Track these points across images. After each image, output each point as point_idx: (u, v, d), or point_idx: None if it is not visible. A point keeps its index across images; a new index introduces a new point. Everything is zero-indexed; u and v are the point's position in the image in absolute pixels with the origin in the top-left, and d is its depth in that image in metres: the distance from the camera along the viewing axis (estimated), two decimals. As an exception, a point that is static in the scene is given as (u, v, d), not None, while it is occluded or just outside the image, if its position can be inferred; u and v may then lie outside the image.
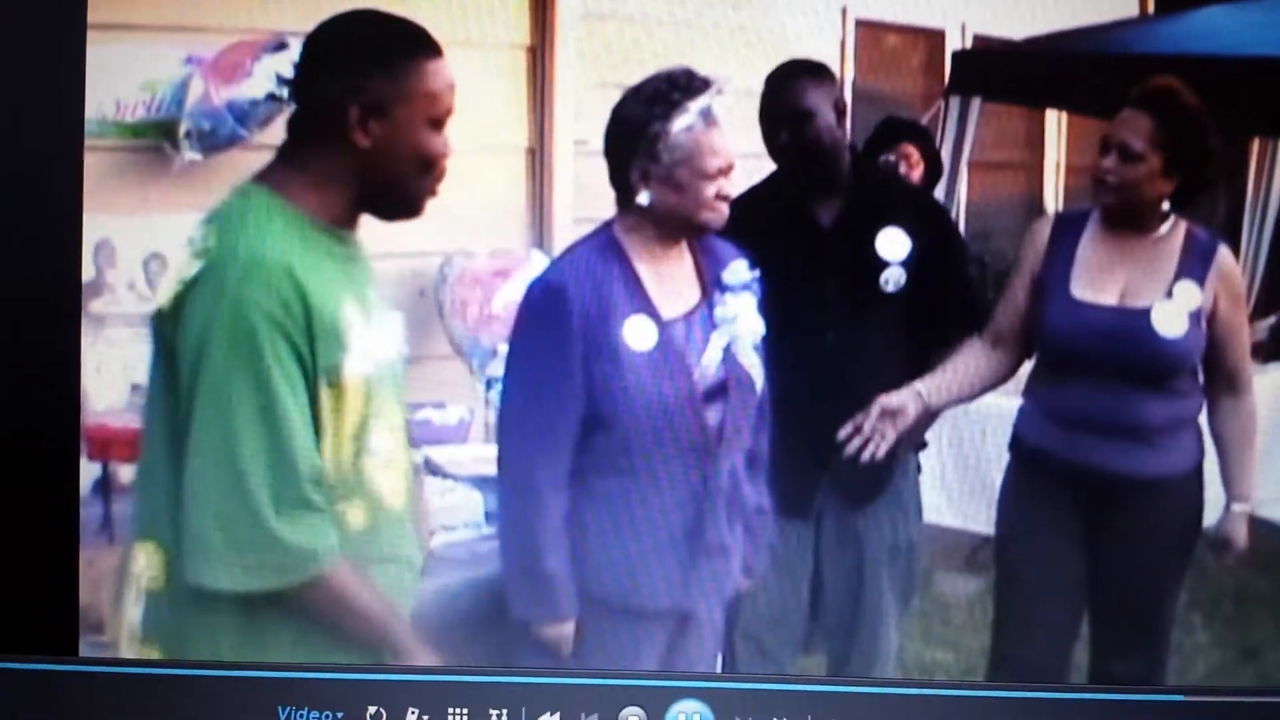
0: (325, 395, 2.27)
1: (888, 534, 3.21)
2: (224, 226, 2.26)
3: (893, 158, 3.68)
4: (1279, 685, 3.18)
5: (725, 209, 2.76)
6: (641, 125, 2.72)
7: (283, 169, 2.33)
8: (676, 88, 2.72)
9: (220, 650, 2.37)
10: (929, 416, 3.20)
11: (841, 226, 3.14)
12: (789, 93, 3.13)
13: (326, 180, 2.31)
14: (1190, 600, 3.41)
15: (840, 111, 3.14)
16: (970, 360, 3.10)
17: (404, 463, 2.45)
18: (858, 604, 3.22)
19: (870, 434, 2.95)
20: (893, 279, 3.09)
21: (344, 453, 2.33)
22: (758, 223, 3.04)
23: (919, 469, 3.31)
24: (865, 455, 2.97)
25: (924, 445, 3.35)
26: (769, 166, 3.26)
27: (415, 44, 2.35)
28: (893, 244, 3.10)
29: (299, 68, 2.37)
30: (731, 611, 2.99)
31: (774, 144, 3.15)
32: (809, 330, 3.08)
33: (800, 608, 3.24)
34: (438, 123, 2.35)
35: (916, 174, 3.71)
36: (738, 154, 2.99)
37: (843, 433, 2.97)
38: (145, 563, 2.35)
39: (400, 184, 2.35)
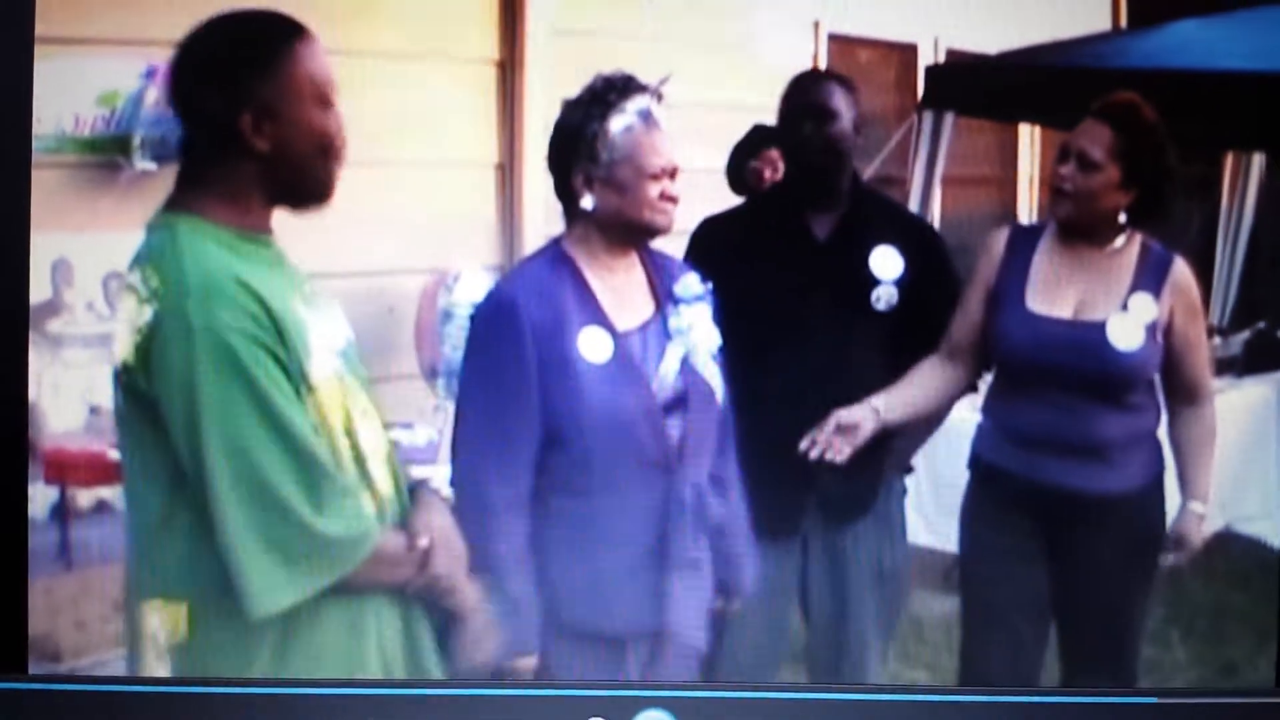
0: (309, 400, 2.26)
1: (873, 556, 3.18)
2: (162, 263, 2.22)
3: (757, 164, 3.68)
4: (1249, 687, 3.16)
5: (672, 210, 2.74)
6: (580, 128, 2.72)
7: (191, 192, 2.29)
8: (613, 89, 2.72)
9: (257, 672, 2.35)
10: (912, 439, 3.22)
11: (836, 240, 3.13)
12: (818, 91, 3.14)
13: (237, 191, 2.28)
14: (1167, 617, 3.40)
15: (858, 127, 3.15)
16: (926, 374, 3.10)
17: (386, 446, 2.44)
18: (843, 627, 3.19)
19: (825, 447, 2.96)
20: (884, 297, 3.09)
21: (342, 450, 2.32)
22: (753, 231, 3.11)
23: (904, 492, 3.28)
24: (825, 458, 2.97)
25: (910, 469, 3.33)
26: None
27: (284, 32, 2.32)
28: (886, 262, 3.09)
29: (176, 90, 2.34)
30: (710, 632, 2.96)
31: (793, 138, 3.16)
32: (796, 344, 3.06)
33: (786, 630, 3.21)
34: (326, 100, 2.33)
35: (777, 178, 3.70)
36: (705, 169, 2.98)
37: (803, 444, 2.96)
38: (160, 620, 2.31)
39: (307, 173, 2.32)
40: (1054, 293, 3.01)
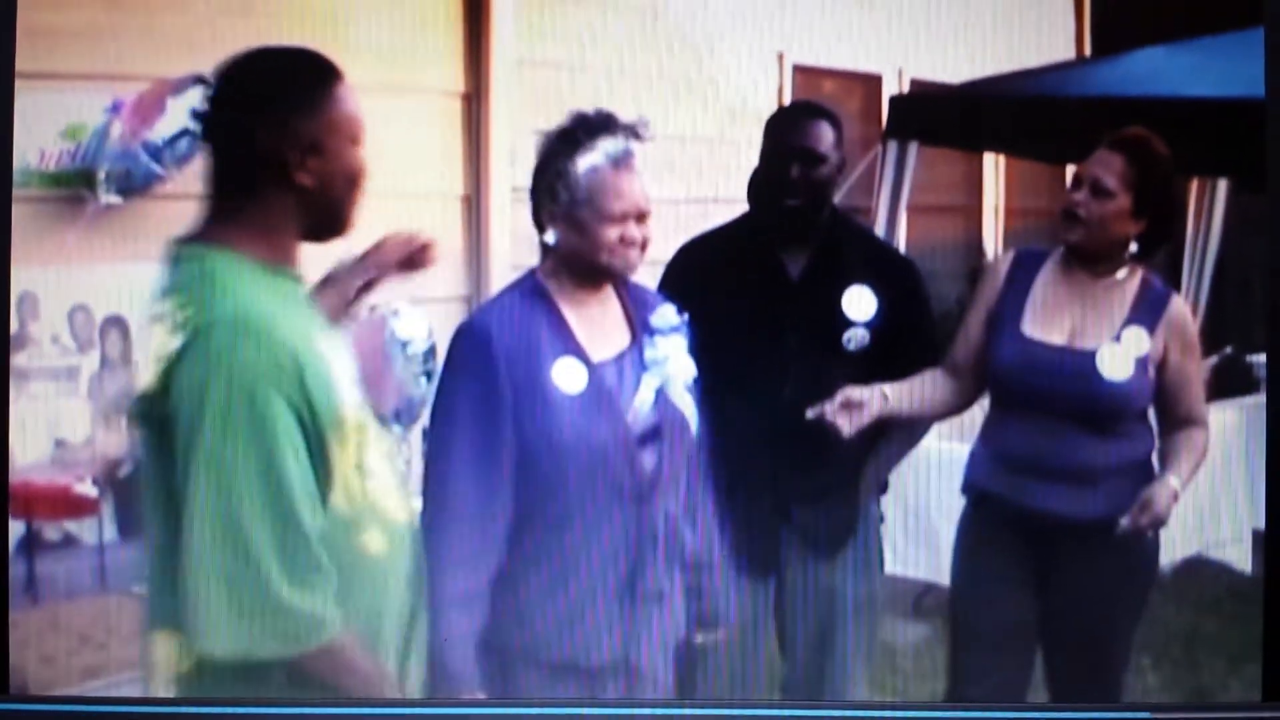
0: (331, 439, 2.25)
1: (853, 586, 3.15)
2: (194, 294, 2.23)
3: None
4: (1239, 701, 3.16)
5: (633, 254, 2.69)
6: (546, 164, 2.71)
7: (223, 224, 2.30)
8: (585, 127, 2.69)
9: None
10: (889, 455, 3.21)
11: (810, 280, 3.10)
12: (808, 132, 3.10)
13: (272, 225, 2.30)
14: (1140, 644, 3.41)
15: (841, 167, 3.13)
16: (930, 382, 3.11)
17: (396, 474, 2.43)
18: (820, 658, 3.16)
19: (830, 419, 2.96)
20: (855, 339, 3.07)
21: (354, 485, 2.31)
22: (728, 264, 3.08)
23: (881, 519, 3.25)
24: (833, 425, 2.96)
25: (885, 488, 3.30)
26: (703, 213, 3.25)
27: (327, 73, 2.36)
28: (859, 303, 3.07)
29: (217, 122, 2.35)
30: (681, 665, 2.93)
31: (775, 177, 3.11)
32: (768, 382, 3.05)
33: (761, 663, 3.18)
34: (357, 139, 2.36)
35: None
36: (675, 199, 2.95)
37: (810, 413, 2.95)
38: (166, 651, 2.30)
39: (340, 208, 2.36)
40: (1051, 318, 3.03)
